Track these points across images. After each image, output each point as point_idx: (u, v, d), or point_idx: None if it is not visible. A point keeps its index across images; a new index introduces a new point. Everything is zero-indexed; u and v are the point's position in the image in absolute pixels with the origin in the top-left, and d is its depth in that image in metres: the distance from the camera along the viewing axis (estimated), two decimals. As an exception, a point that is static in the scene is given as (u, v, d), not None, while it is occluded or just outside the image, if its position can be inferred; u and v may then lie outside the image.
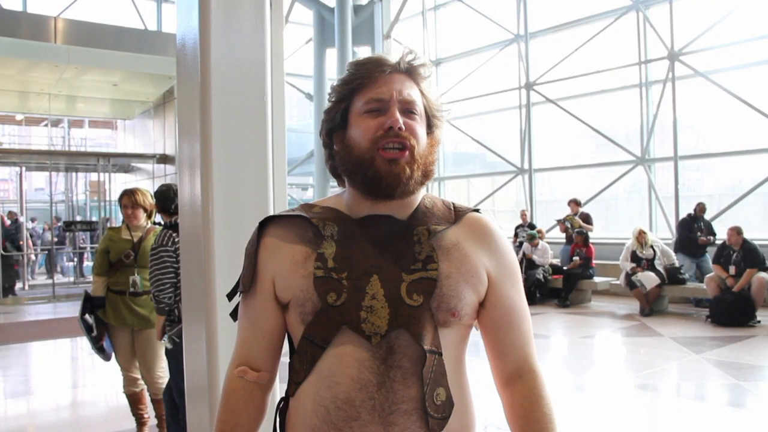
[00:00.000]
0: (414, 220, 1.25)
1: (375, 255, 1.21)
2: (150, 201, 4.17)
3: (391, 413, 1.14)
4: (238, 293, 1.32)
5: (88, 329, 4.13)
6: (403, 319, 1.16)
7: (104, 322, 4.16)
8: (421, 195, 1.30)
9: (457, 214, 1.30)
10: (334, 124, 1.27)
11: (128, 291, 4.11)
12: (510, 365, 1.29)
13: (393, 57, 1.26)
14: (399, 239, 1.23)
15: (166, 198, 3.74)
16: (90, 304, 4.15)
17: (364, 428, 1.14)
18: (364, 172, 1.20)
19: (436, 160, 1.28)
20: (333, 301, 1.18)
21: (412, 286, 1.18)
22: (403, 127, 1.20)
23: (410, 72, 1.27)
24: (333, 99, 1.28)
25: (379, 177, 1.19)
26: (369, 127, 1.21)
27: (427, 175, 1.25)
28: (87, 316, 4.13)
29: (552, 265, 10.71)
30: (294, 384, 1.23)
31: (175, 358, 3.40)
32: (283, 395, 1.29)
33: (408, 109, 1.23)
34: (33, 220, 18.23)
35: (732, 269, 8.27)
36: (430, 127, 1.28)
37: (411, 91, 1.25)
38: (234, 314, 1.37)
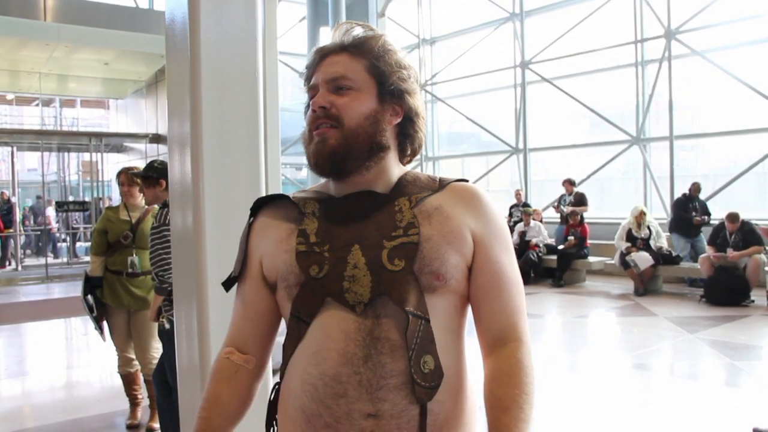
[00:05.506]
0: (395, 193, 1.24)
1: (356, 227, 1.20)
2: None
3: (380, 389, 1.10)
4: (232, 278, 1.33)
5: (90, 309, 4.14)
6: (385, 285, 1.14)
7: (103, 302, 4.16)
8: (399, 170, 1.28)
9: (441, 183, 1.27)
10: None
11: (125, 272, 4.13)
12: (494, 333, 1.21)
13: (329, 40, 1.26)
14: (380, 210, 1.22)
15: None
16: (89, 284, 4.15)
17: (352, 405, 1.10)
18: (308, 158, 1.24)
19: (388, 127, 1.24)
20: (315, 274, 1.17)
21: (393, 252, 1.16)
22: (326, 105, 1.20)
23: (350, 48, 1.24)
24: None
25: (310, 158, 1.23)
26: (308, 117, 1.24)
27: (377, 146, 1.22)
28: (89, 296, 4.13)
29: (546, 245, 10.71)
30: (285, 365, 1.22)
31: (171, 338, 3.38)
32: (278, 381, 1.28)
33: (337, 86, 1.22)
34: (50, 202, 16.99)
35: (730, 251, 8.27)
36: (390, 95, 1.24)
37: (338, 67, 1.22)
38: (226, 284, 1.36)
